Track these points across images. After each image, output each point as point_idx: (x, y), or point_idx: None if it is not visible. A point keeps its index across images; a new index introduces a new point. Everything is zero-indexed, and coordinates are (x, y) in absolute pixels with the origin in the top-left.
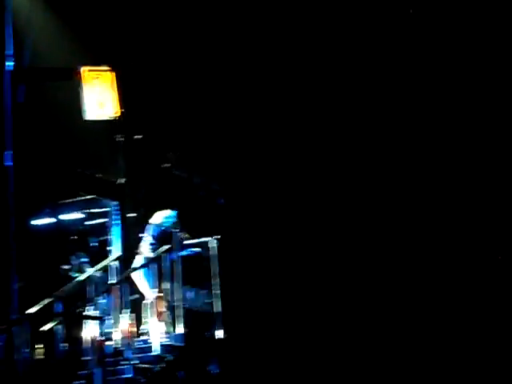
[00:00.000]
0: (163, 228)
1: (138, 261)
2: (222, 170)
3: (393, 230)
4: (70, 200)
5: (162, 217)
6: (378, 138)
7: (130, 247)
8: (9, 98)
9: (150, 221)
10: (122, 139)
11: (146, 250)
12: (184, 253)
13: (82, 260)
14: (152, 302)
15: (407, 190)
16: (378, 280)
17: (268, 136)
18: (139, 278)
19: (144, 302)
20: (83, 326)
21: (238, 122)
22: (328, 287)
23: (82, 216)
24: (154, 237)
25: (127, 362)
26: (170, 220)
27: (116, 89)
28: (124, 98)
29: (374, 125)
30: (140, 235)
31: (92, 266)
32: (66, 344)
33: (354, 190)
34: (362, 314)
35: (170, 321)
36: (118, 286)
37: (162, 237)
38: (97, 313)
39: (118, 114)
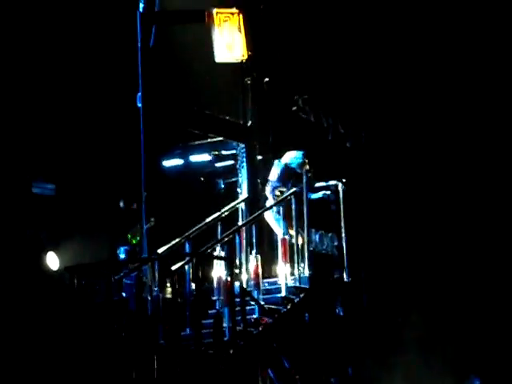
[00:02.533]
0: (290, 167)
1: (268, 202)
2: (349, 113)
3: None
4: (199, 142)
5: (290, 157)
6: None
7: (258, 189)
8: (140, 41)
9: (282, 161)
10: (250, 82)
11: (268, 190)
12: (312, 195)
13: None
14: (280, 244)
15: None
16: None
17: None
18: (271, 220)
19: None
20: (212, 266)
21: (367, 65)
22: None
23: (211, 158)
24: (279, 175)
25: (254, 303)
26: (297, 160)
27: (244, 31)
28: (252, 41)
29: None
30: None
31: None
32: (195, 283)
33: None
34: None
35: (297, 263)
36: (246, 228)
37: (287, 176)
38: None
39: (246, 57)
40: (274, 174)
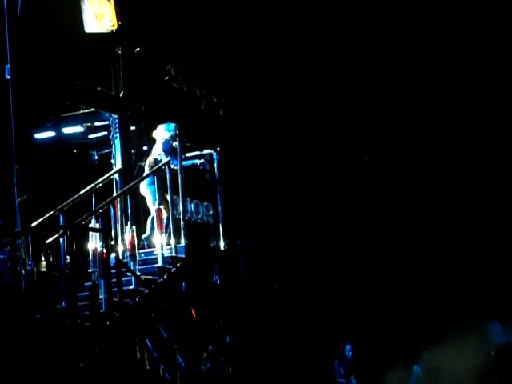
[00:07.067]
0: (170, 142)
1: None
2: (223, 81)
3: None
4: (71, 113)
5: (163, 131)
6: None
7: (132, 160)
8: (6, 10)
9: (155, 135)
10: (121, 51)
11: (151, 164)
12: (188, 162)
13: None
14: (154, 215)
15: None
16: None
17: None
18: (144, 191)
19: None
20: (87, 238)
21: (239, 32)
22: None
23: (83, 129)
24: (165, 151)
25: (130, 274)
26: (171, 133)
27: (113, 0)
28: (122, 10)
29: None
30: (144, 148)
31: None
32: (70, 256)
33: None
34: None
35: (172, 233)
36: (119, 199)
37: (171, 150)
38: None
39: (116, 27)
40: (158, 151)
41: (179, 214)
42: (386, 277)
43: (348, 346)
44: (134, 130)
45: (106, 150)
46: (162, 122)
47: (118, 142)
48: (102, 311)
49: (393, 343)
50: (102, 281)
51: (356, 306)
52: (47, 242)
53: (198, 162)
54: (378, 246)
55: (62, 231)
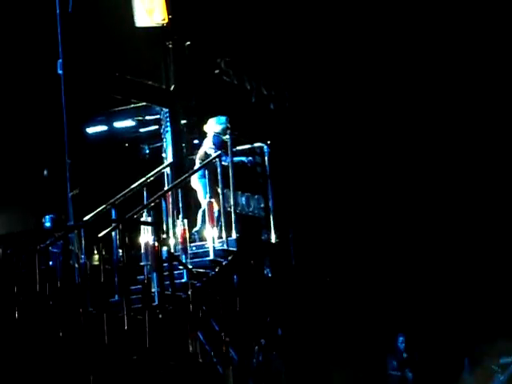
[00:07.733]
0: (220, 135)
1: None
2: (273, 74)
3: None
4: (123, 107)
5: (214, 124)
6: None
7: (182, 154)
8: (59, 7)
9: (206, 129)
10: (172, 46)
11: (202, 158)
12: (236, 158)
13: None
14: (206, 208)
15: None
16: None
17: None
18: (196, 184)
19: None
20: (139, 231)
21: (290, 25)
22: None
23: (135, 123)
24: (215, 145)
25: (182, 267)
26: (222, 126)
27: None
28: (172, 4)
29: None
30: (194, 141)
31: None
32: (122, 250)
33: None
34: None
35: (224, 226)
36: (171, 193)
37: (221, 144)
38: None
39: (167, 21)
40: (209, 144)
41: (230, 207)
42: (441, 268)
43: (401, 338)
44: (184, 124)
45: (157, 144)
46: (212, 116)
47: (168, 136)
48: (154, 304)
49: (449, 336)
50: (155, 274)
51: (410, 297)
52: (100, 235)
53: (245, 159)
54: (434, 238)
55: (114, 225)
